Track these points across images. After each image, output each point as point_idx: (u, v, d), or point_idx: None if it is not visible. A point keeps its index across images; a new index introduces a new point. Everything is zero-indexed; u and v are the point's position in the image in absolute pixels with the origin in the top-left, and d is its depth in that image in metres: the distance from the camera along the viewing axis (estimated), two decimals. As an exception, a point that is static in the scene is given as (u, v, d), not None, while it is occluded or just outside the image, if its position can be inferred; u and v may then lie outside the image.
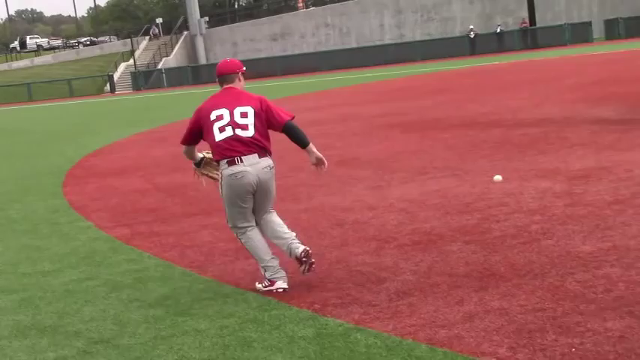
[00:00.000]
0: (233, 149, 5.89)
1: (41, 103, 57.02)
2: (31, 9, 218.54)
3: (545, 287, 5.30)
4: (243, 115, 6.02)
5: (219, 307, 5.59)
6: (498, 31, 57.45)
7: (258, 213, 6.13)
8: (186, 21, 71.58)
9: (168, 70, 64.81)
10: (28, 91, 65.35)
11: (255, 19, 71.69)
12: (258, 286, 5.98)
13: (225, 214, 6.14)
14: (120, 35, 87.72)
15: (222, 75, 6.27)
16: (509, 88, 23.45)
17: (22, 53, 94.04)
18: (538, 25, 58.69)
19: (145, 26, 78.99)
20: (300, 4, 71.72)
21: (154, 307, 5.73)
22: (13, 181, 14.28)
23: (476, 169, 10.29)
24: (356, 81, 39.19)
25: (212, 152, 6.14)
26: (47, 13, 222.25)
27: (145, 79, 64.12)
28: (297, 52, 65.20)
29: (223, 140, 5.92)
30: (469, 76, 33.25)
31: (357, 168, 11.39)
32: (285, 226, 6.17)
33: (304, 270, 5.92)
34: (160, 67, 66.37)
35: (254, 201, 6.03)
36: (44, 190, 12.57)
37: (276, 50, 67.03)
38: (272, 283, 5.90)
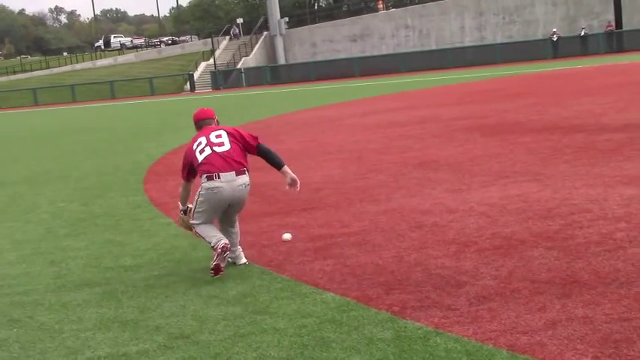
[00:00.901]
0: (212, 164, 6.72)
1: (123, 101, 58.14)
2: (116, 9, 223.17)
3: (632, 296, 5.16)
4: (218, 136, 6.98)
5: (298, 306, 5.59)
6: (582, 34, 56.35)
7: (225, 222, 7.06)
8: (266, 21, 72.16)
9: (248, 70, 65.44)
10: (110, 88, 66.77)
11: (334, 20, 71.81)
12: (212, 264, 6.56)
13: (192, 217, 6.93)
14: (201, 35, 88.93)
15: (202, 120, 7.42)
16: (592, 93, 22.98)
17: (106, 52, 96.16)
18: (625, 29, 57.38)
19: (226, 26, 79.90)
20: (380, 6, 71.56)
21: (233, 305, 5.76)
22: (95, 177, 14.56)
23: (558, 174, 10.10)
24: (435, 83, 38.94)
25: (197, 173, 6.89)
26: (131, 13, 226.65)
27: (224, 78, 64.84)
28: (376, 53, 65.13)
29: (204, 159, 6.78)
30: (551, 79, 32.71)
31: (436, 170, 11.29)
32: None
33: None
34: (239, 66, 67.06)
35: (225, 211, 6.96)
36: (126, 187, 12.80)
37: (354, 51, 67.06)
38: (215, 248, 6.58)
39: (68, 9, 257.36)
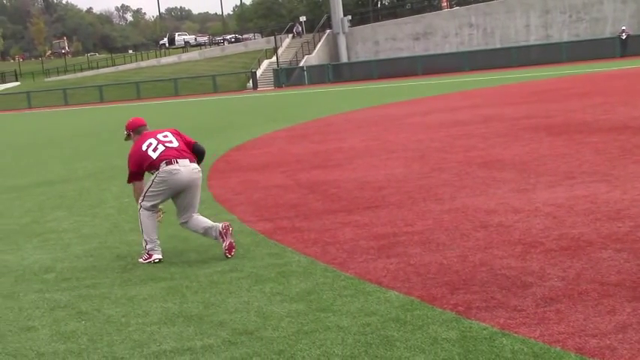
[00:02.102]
0: (168, 155, 7.49)
1: (186, 98, 58.75)
2: (180, 7, 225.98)
3: None
4: (165, 136, 7.72)
5: (362, 304, 5.57)
6: (653, 32, 55.17)
7: (187, 210, 7.65)
8: (329, 19, 72.23)
9: (310, 68, 65.56)
10: (174, 86, 67.52)
11: (397, 18, 71.55)
12: (140, 260, 7.49)
13: (142, 198, 7.56)
14: (264, 33, 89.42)
15: (142, 126, 7.94)
16: (661, 92, 22.49)
17: (170, 50, 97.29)
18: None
19: (289, 24, 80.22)
20: (444, 4, 71.05)
21: (297, 302, 5.76)
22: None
23: (627, 174, 9.90)
24: (499, 82, 38.53)
25: (153, 168, 7.53)
26: (195, 11, 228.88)
27: (286, 76, 65.08)
28: (439, 51, 64.73)
29: (158, 154, 7.50)
30: (620, 78, 32.11)
31: (501, 170, 11.16)
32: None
33: (225, 248, 7.35)
34: (301, 64, 67.21)
35: (185, 198, 7.59)
36: (190, 183, 12.89)
37: (417, 49, 66.77)
38: (150, 255, 7.47)
39: (134, 7, 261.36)
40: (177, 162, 7.47)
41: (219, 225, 7.46)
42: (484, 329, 4.84)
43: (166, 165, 7.44)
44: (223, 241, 7.40)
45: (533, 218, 7.87)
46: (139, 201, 7.63)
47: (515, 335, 4.70)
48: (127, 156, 7.80)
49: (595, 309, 5.04)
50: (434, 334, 4.83)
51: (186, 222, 7.69)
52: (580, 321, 4.84)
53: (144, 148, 7.59)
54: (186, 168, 7.48)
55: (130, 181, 7.85)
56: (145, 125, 8.01)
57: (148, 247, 7.55)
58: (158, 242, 7.62)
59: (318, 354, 4.69)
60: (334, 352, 4.70)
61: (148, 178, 7.69)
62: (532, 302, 5.27)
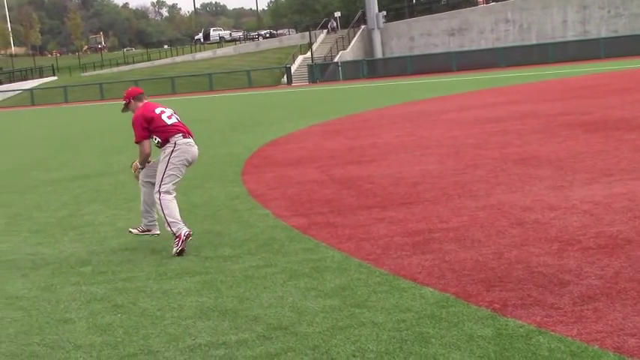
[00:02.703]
0: (182, 128, 8.00)
1: (221, 93, 58.96)
2: (215, 2, 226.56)
3: None
4: (175, 111, 8.28)
5: (396, 300, 5.55)
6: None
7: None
8: (364, 15, 72.08)
9: (344, 64, 65.48)
10: (209, 81, 67.77)
11: (433, 13, 71.19)
12: (174, 250, 7.58)
13: (160, 183, 7.75)
14: (298, 28, 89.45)
15: (141, 94, 8.24)
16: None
17: (205, 45, 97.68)
18: None
19: (324, 20, 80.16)
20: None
21: (331, 297, 5.75)
22: (194, 167, 14.73)
23: (666, 172, 9.77)
24: (535, 78, 38.22)
25: (162, 134, 7.88)
26: (230, 7, 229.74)
27: (321, 71, 65.07)
28: (474, 47, 64.34)
29: (172, 124, 7.93)
30: (657, 75, 31.70)
31: (537, 167, 11.06)
32: None
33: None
34: (336, 60, 67.15)
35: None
36: (224, 178, 12.96)
37: (452, 45, 66.41)
38: (179, 237, 7.59)
39: (169, 2, 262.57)
40: (190, 137, 8.07)
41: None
42: (520, 327, 4.80)
43: (183, 137, 7.95)
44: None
45: (570, 215, 7.79)
46: (159, 189, 7.75)
47: (552, 333, 4.65)
48: (133, 123, 7.92)
49: (634, 308, 4.97)
50: (469, 332, 4.80)
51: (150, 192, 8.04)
52: (619, 320, 4.78)
53: (157, 111, 7.97)
54: (194, 145, 8.12)
55: (138, 140, 7.97)
56: (145, 94, 8.33)
57: (174, 229, 7.66)
58: (181, 220, 7.76)
59: (352, 350, 4.68)
60: (369, 348, 4.68)
61: (156, 158, 8.02)
62: (569, 300, 5.21)
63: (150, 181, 8.04)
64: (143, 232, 8.33)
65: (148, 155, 8.05)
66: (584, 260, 6.15)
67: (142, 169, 8.17)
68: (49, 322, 5.75)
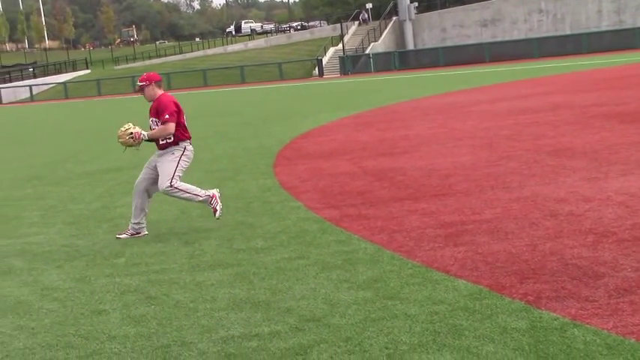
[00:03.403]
0: (188, 132, 8.55)
1: (252, 86, 59.07)
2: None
3: None
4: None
5: (429, 292, 5.52)
6: None
7: (152, 190, 8.49)
8: (395, 6, 71.83)
9: (376, 55, 65.33)
10: (241, 73, 67.94)
11: (465, 4, 70.73)
12: (216, 216, 8.39)
13: (171, 178, 8.19)
14: (330, 20, 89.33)
15: (161, 80, 8.62)
16: None
17: (236, 37, 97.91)
18: None
19: (355, 11, 79.99)
20: (513, -10, 69.97)
21: (364, 289, 5.74)
22: (227, 160, 14.85)
23: (702, 163, 9.64)
24: (569, 69, 37.87)
25: (178, 133, 8.28)
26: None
27: (352, 63, 64.96)
28: (507, 38, 63.86)
29: (186, 125, 8.46)
30: (693, 65, 31.26)
31: (571, 158, 10.96)
32: None
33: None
34: (367, 52, 67.00)
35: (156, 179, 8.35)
36: (256, 170, 12.98)
37: (485, 36, 65.98)
38: (214, 206, 8.32)
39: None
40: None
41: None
42: (555, 319, 4.76)
43: (190, 144, 8.52)
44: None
45: (604, 207, 7.72)
46: (171, 183, 8.16)
47: (588, 326, 4.61)
48: (164, 104, 8.26)
49: (670, 301, 4.91)
50: (503, 324, 4.77)
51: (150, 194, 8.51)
52: (655, 313, 4.72)
53: (182, 109, 8.45)
54: None
55: (171, 120, 8.19)
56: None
57: (204, 197, 8.33)
58: (209, 193, 8.40)
59: (385, 342, 4.67)
60: (402, 340, 4.67)
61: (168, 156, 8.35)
62: (604, 293, 5.16)
63: (147, 185, 8.42)
64: (132, 235, 8.42)
65: (169, 135, 8.27)
66: (619, 252, 6.09)
67: (144, 141, 8.43)
68: (83, 313, 5.80)
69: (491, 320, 4.85)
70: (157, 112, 8.28)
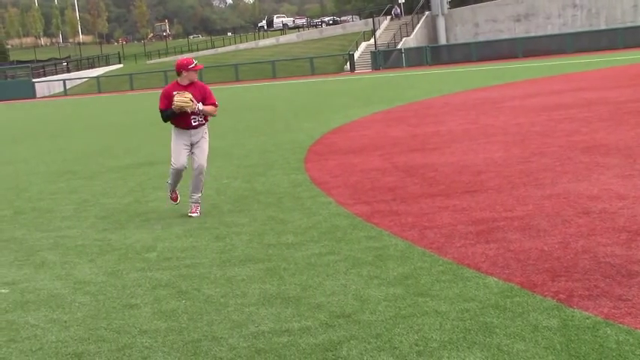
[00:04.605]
0: None
1: (284, 80, 59.14)
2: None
3: None
4: None
5: (460, 290, 5.50)
6: None
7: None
8: (428, 1, 71.50)
9: (408, 50, 65.10)
10: (272, 68, 67.98)
11: (498, -1, 70.28)
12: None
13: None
14: (362, 15, 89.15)
15: None
16: None
17: (268, 32, 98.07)
18: None
19: (387, 6, 79.76)
20: (547, -16, 69.31)
21: (394, 286, 5.73)
22: (258, 155, 14.88)
23: None
24: (604, 64, 37.51)
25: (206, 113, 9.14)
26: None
27: (384, 58, 64.78)
28: (540, 33, 63.34)
29: None
30: None
31: (605, 155, 10.85)
32: None
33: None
34: (399, 46, 66.79)
35: None
36: (287, 165, 13.00)
37: (518, 31, 65.49)
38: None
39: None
40: None
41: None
42: (587, 318, 4.72)
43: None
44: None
45: (639, 205, 7.63)
46: (206, 165, 9.22)
47: (620, 325, 4.56)
48: (209, 90, 9.29)
49: None
50: (534, 322, 4.74)
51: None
52: (689, 312, 4.67)
53: None
54: None
55: (217, 104, 9.27)
56: None
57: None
58: None
59: (415, 339, 4.65)
60: (432, 337, 4.65)
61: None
62: (638, 292, 5.10)
63: (194, 157, 9.17)
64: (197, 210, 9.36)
65: (213, 116, 9.29)
66: (653, 251, 6.02)
67: (197, 111, 8.96)
68: (115, 307, 5.84)
69: (523, 318, 4.82)
70: (202, 95, 9.06)
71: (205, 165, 9.15)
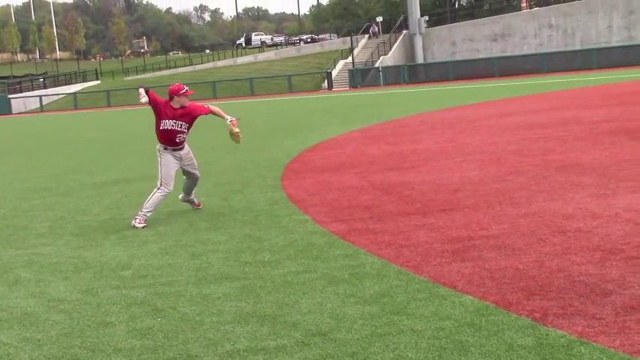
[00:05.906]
0: None
1: (262, 98, 59.19)
2: (257, 7, 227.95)
3: None
4: None
5: (436, 308, 5.51)
6: None
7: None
8: (406, 20, 72.01)
9: (385, 69, 65.44)
10: (250, 85, 68.09)
11: (475, 19, 70.86)
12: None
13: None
14: (340, 33, 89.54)
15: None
16: None
17: (246, 49, 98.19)
18: None
19: (365, 24, 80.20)
20: (524, 4, 69.97)
21: (370, 304, 5.73)
22: (234, 172, 14.87)
23: None
24: (579, 84, 37.84)
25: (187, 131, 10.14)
26: (272, 11, 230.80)
27: (362, 76, 65.07)
28: (517, 53, 63.87)
29: None
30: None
31: (579, 174, 10.94)
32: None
33: None
34: (377, 65, 67.10)
35: None
36: (264, 183, 12.99)
37: (495, 51, 66.03)
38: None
39: (212, 7, 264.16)
40: None
41: None
42: (561, 337, 4.75)
43: None
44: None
45: (613, 224, 7.69)
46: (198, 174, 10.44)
47: (594, 344, 4.59)
48: (192, 108, 10.07)
49: (678, 319, 4.89)
50: (509, 341, 4.75)
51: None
52: (662, 331, 4.70)
53: None
54: None
55: (207, 111, 10.18)
56: None
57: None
58: None
59: (391, 357, 4.66)
60: (408, 355, 4.66)
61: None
62: (612, 311, 5.14)
63: (189, 170, 10.28)
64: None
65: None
66: (627, 270, 6.07)
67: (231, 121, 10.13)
68: (90, 325, 5.80)
69: (498, 337, 4.84)
70: (191, 115, 9.99)
71: (199, 174, 10.51)
